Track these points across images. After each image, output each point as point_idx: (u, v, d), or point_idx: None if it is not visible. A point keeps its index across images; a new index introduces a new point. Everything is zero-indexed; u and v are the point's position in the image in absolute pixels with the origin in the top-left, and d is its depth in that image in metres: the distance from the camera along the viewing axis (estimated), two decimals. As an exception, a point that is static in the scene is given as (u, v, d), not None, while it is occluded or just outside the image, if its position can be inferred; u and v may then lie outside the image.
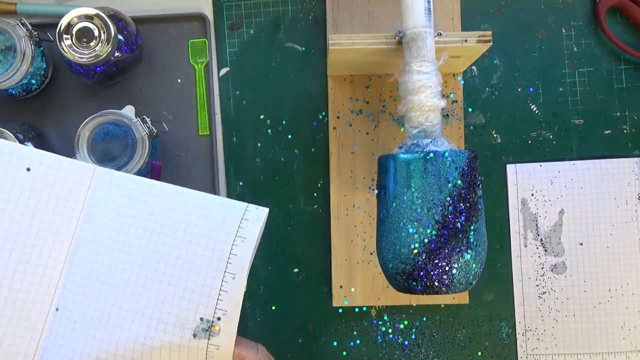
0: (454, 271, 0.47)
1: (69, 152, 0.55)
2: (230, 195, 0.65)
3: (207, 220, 0.43)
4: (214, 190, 0.64)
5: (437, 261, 0.47)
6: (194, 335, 0.42)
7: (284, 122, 0.65)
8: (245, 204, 0.45)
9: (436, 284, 0.47)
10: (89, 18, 0.56)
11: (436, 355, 0.64)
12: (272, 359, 0.44)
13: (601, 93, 0.65)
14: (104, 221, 0.45)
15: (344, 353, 0.64)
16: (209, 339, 0.42)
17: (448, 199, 0.47)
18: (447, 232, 0.47)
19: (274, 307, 0.65)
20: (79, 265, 0.44)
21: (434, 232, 0.47)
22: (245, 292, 0.64)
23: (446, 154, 0.48)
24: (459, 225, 0.47)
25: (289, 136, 0.65)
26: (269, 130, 0.65)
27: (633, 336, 0.63)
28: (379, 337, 0.64)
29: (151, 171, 0.60)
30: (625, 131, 0.65)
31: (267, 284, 0.65)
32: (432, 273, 0.47)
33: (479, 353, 0.64)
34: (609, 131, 0.65)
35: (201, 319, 0.42)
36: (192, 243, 0.43)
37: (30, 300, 0.44)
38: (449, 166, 0.48)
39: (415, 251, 0.47)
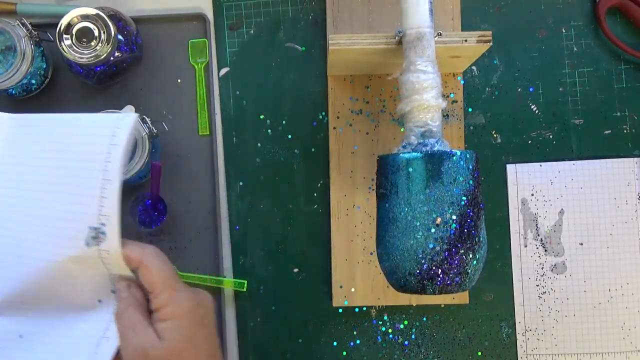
0: (468, 270, 0.47)
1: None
2: (230, 195, 0.65)
3: (86, 137, 0.46)
4: (214, 191, 0.64)
5: (454, 260, 0.47)
6: (87, 244, 0.45)
7: (284, 122, 0.65)
8: (119, 114, 0.49)
9: (449, 282, 0.47)
10: (89, 18, 0.56)
11: (436, 355, 0.64)
12: (162, 255, 0.46)
13: (601, 93, 0.65)
14: (10, 159, 0.48)
15: (344, 353, 0.64)
16: (99, 245, 0.45)
17: (463, 197, 0.47)
18: (463, 231, 0.47)
19: (274, 307, 0.65)
20: None
21: (451, 232, 0.47)
22: (245, 292, 0.65)
23: (459, 153, 0.48)
24: (472, 224, 0.47)
25: (289, 136, 0.65)
26: (269, 130, 0.65)
27: (633, 336, 0.63)
28: (379, 337, 0.64)
29: (151, 171, 0.60)
30: (625, 131, 0.65)
31: (267, 284, 0.65)
32: (449, 272, 0.47)
33: (479, 353, 0.64)
34: (609, 131, 0.65)
35: (89, 227, 0.45)
36: (78, 160, 0.46)
37: None
38: (462, 165, 0.48)
39: (434, 251, 0.47)
